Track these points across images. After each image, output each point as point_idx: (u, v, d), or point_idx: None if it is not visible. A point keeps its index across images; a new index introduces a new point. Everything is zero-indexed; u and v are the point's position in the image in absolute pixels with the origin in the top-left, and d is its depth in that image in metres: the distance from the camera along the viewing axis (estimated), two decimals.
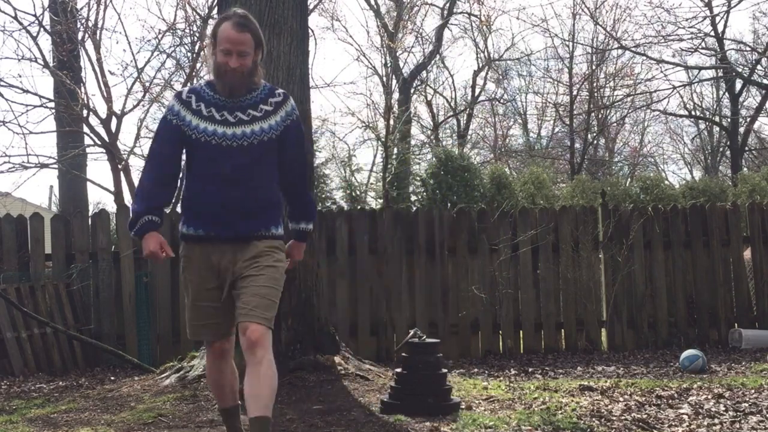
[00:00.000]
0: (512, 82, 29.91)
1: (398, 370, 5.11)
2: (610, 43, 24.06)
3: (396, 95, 24.99)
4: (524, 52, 29.36)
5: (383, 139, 18.32)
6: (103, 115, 11.89)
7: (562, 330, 9.25)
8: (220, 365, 3.71)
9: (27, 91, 11.84)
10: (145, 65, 15.14)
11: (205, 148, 3.51)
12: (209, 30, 3.92)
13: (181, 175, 3.87)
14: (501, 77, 28.93)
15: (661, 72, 25.37)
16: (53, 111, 12.59)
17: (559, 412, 5.01)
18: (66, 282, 8.57)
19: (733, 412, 5.08)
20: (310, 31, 7.02)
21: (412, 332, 5.19)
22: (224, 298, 3.54)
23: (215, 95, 3.55)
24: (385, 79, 26.61)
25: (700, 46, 21.45)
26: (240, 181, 3.48)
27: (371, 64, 28.22)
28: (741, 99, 25.53)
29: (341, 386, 5.47)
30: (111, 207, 14.18)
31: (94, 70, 11.87)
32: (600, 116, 26.95)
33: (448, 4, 26.13)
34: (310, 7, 13.10)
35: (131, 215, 3.60)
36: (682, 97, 28.19)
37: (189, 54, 14.56)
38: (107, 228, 8.96)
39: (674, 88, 24.03)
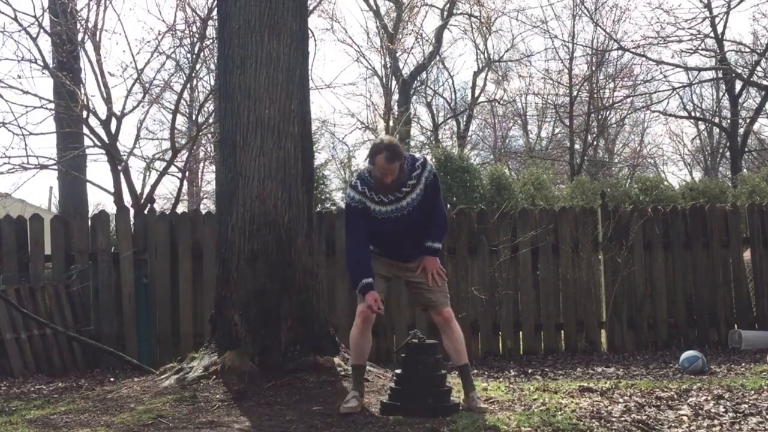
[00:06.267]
0: (512, 83, 29.83)
1: (398, 371, 5.10)
2: (610, 44, 24.09)
3: (396, 96, 25.02)
4: (524, 53, 29.40)
5: None
6: (103, 116, 11.86)
7: (562, 331, 9.25)
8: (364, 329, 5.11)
9: (27, 92, 11.83)
10: (144, 66, 15.04)
11: (377, 218, 5.11)
12: (366, 158, 5.20)
13: None
14: (501, 78, 28.95)
15: (661, 73, 25.43)
16: (53, 112, 12.56)
17: (559, 413, 5.01)
18: (65, 283, 8.57)
19: (732, 413, 5.08)
20: (309, 32, 7.02)
21: (411, 333, 5.19)
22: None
23: (375, 185, 5.07)
24: (384, 80, 26.64)
25: (699, 48, 21.47)
26: (398, 233, 5.14)
27: (371, 65, 28.25)
28: (741, 100, 25.55)
29: (341, 387, 5.47)
30: (111, 208, 14.13)
31: (93, 71, 11.85)
32: (600, 117, 26.96)
33: (448, 5, 26.15)
34: (310, 8, 13.10)
35: (351, 277, 5.17)
36: (681, 98, 28.24)
37: (189, 55, 14.56)
38: (107, 229, 8.96)
39: (674, 89, 24.05)
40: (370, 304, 4.95)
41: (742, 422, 4.81)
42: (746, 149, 25.54)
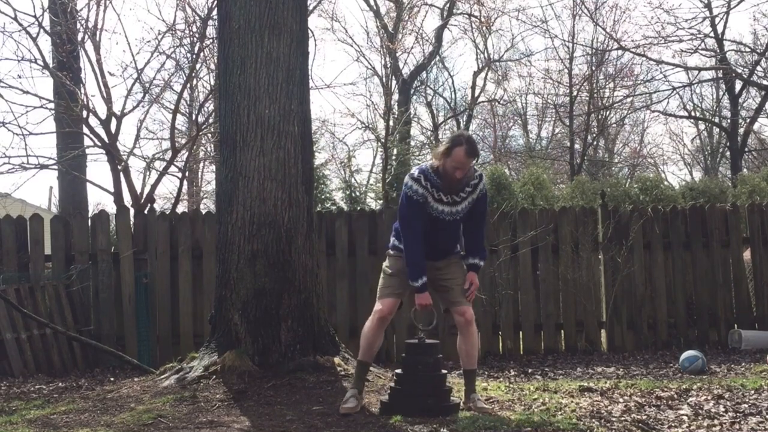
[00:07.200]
0: (511, 83, 29.84)
1: (398, 371, 5.11)
2: (610, 44, 24.06)
3: (396, 96, 24.99)
4: (524, 53, 29.39)
5: (383, 140, 18.32)
6: (103, 116, 11.87)
7: (562, 331, 9.25)
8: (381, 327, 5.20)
9: (27, 92, 11.84)
10: (144, 66, 15.15)
11: (431, 215, 5.11)
12: (441, 148, 5.11)
13: None
14: (501, 78, 28.95)
15: (661, 73, 25.42)
16: (53, 112, 12.56)
17: (559, 413, 5.01)
18: (65, 283, 8.57)
19: (732, 413, 5.08)
20: (309, 32, 7.02)
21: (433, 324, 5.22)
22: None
23: (439, 183, 5.06)
24: (384, 80, 26.61)
25: (699, 47, 21.43)
26: (438, 233, 5.16)
27: (371, 65, 28.27)
28: (741, 100, 25.53)
29: (341, 387, 5.48)
30: (111, 208, 14.16)
31: (93, 71, 11.86)
32: (600, 117, 26.96)
33: (448, 5, 26.13)
34: (310, 8, 13.10)
35: (412, 269, 5.05)
36: (681, 98, 28.22)
37: (188, 55, 14.56)
38: (107, 229, 8.96)
39: (674, 89, 24.08)
40: (424, 303, 5.08)
41: (742, 422, 4.81)
42: (746, 149, 25.53)
